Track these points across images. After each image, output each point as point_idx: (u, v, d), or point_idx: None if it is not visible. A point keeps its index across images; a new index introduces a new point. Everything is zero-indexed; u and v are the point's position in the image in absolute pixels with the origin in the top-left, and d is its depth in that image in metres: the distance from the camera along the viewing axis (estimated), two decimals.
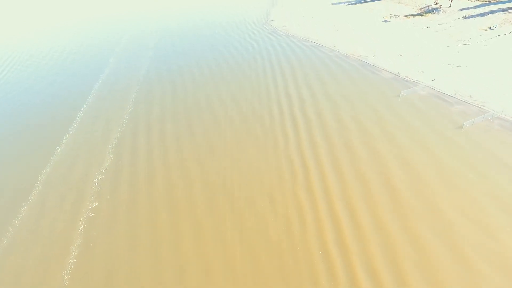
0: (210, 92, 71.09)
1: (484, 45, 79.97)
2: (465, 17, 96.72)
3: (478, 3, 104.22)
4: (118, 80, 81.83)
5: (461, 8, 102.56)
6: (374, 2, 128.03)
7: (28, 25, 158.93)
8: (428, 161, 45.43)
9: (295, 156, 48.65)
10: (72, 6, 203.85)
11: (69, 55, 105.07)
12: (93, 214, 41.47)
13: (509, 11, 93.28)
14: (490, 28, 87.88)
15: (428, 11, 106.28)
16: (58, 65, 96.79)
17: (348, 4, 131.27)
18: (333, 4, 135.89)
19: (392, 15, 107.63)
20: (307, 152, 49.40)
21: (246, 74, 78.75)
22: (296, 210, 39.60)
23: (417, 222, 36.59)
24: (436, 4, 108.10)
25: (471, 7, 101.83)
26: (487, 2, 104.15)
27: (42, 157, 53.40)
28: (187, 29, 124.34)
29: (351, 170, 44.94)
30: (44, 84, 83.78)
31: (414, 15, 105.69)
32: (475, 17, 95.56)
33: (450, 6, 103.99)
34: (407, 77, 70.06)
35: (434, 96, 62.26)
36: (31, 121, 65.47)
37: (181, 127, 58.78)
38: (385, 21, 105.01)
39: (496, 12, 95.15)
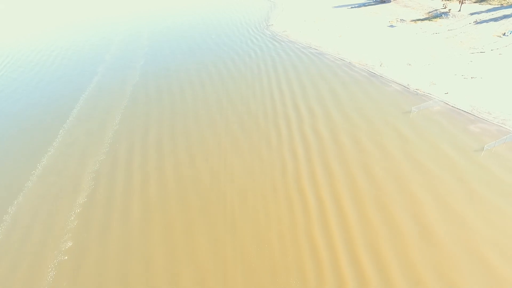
0: (210, 104, 65.74)
1: (500, 54, 74.48)
2: (476, 22, 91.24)
3: (490, 7, 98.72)
4: (105, 92, 76.53)
5: (472, 12, 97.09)
6: (379, 5, 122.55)
7: (21, 27, 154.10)
8: (459, 191, 39.89)
9: (307, 185, 43.01)
10: (68, 7, 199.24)
11: (62, 60, 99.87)
12: (66, 257, 36.20)
13: None
14: (504, 34, 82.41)
15: (437, 15, 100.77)
16: (45, 73, 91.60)
17: (352, 8, 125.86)
18: (335, 7, 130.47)
19: (399, 20, 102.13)
20: (321, 179, 43.74)
21: (249, 84, 73.30)
22: (310, 254, 33.92)
23: (458, 274, 30.71)
24: (445, 8, 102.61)
25: (482, 11, 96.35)
26: (499, 5, 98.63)
27: (13, 184, 48.15)
28: (185, 31, 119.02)
29: (374, 203, 39.24)
30: (28, 97, 78.61)
31: (422, 20, 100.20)
32: (487, 22, 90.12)
33: (459, 10, 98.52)
34: (417, 89, 64.65)
35: (449, 111, 56.81)
36: (6, 138, 60.36)
37: (176, 143, 53.48)
38: (391, 26, 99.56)
39: (510, 17, 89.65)
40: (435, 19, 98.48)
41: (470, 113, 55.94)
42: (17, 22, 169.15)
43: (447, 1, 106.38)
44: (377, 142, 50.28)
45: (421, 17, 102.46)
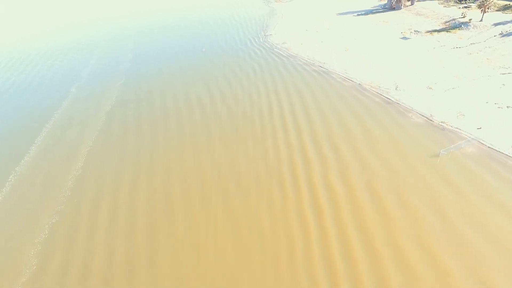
0: (198, 144, 55.18)
1: None
2: (502, 35, 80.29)
3: None
4: (72, 125, 65.98)
5: (495, 22, 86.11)
6: (388, 12, 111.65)
7: (18, 28, 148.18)
8: None
9: (320, 269, 32.39)
10: (68, 7, 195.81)
11: (48, 70, 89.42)
12: None
13: None
14: None
15: (455, 26, 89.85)
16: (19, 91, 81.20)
17: (358, 15, 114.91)
18: (340, 14, 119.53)
19: (413, 31, 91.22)
20: (337, 259, 33.08)
21: (247, 115, 62.56)
22: None
23: None
24: (464, 17, 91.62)
25: (508, 21, 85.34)
26: None
27: None
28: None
29: None
30: None
31: (439, 31, 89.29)
32: None
33: (481, 20, 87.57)
34: (443, 122, 53.85)
35: (485, 155, 46.08)
36: None
37: (149, 196, 42.99)
38: (404, 38, 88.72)
39: None
40: (454, 30, 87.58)
41: None
42: (15, 23, 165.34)
43: (466, 9, 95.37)
44: (421, 198, 39.43)
45: (438, 28, 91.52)
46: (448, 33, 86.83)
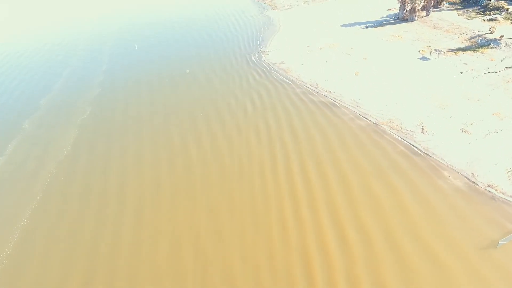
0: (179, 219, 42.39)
1: None
2: None
3: None
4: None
5: None
6: (400, 24, 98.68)
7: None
8: None
9: None
10: (66, 6, 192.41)
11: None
12: None
13: None
14: None
15: (483, 43, 76.88)
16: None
17: (366, 27, 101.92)
18: (345, 26, 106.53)
19: (433, 50, 78.25)
20: None
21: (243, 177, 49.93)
22: None
23: None
24: (492, 32, 78.64)
25: None
26: None
27: None
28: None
29: None
30: None
31: (464, 50, 76.32)
32: None
33: None
34: (491, 186, 41.03)
35: None
36: None
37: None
38: (424, 58, 75.81)
39: None
40: (482, 49, 74.60)
41: None
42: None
43: (493, 23, 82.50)
44: None
45: (461, 46, 78.55)
46: (476, 53, 73.83)
